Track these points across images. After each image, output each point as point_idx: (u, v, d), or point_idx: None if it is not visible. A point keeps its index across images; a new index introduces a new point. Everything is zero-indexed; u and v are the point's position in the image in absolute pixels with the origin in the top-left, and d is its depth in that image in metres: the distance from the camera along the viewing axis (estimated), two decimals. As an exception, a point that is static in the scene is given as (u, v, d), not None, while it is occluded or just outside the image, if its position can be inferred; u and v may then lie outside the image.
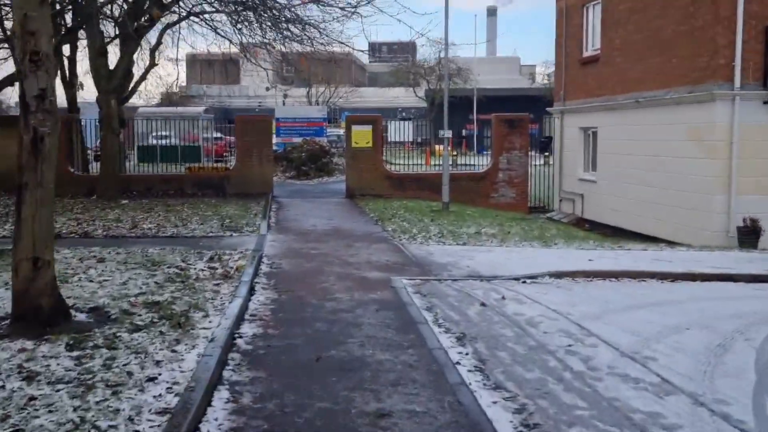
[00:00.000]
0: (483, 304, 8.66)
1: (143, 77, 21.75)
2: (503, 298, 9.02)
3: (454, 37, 59.51)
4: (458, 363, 6.38)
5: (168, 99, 70.10)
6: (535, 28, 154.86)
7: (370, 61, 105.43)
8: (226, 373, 5.82)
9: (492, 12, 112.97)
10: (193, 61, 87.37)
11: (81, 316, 6.87)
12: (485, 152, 48.25)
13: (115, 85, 19.53)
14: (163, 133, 34.67)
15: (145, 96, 55.49)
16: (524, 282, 10.01)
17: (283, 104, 39.52)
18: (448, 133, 19.17)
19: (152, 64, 21.11)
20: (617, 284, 10.13)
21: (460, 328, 7.61)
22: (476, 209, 20.26)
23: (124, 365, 5.57)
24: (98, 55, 19.61)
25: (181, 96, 76.93)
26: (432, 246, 12.99)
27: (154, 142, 35.25)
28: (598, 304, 8.82)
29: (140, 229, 14.21)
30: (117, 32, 20.90)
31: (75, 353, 5.76)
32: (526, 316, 8.13)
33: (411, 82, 62.99)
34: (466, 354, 6.70)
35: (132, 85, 21.83)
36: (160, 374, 5.40)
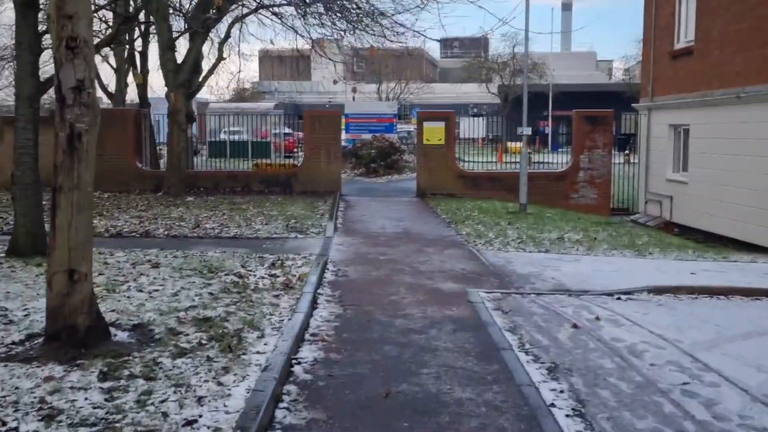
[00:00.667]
0: (575, 326, 7.57)
1: (211, 71, 21.27)
2: (597, 318, 7.91)
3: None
4: (553, 405, 5.36)
5: (240, 95, 70.63)
6: (611, 23, 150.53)
7: (441, 57, 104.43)
8: (279, 413, 4.94)
9: (567, 6, 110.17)
10: (264, 57, 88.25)
11: (122, 335, 6.13)
12: (560, 149, 46.63)
13: (183, 79, 19.07)
14: (234, 129, 34.55)
15: (217, 91, 55.77)
16: (619, 298, 8.86)
17: (353, 99, 38.75)
18: (526, 130, 17.98)
19: (220, 58, 20.59)
20: (727, 303, 8.87)
21: (551, 356, 6.57)
22: (555, 211, 19.01)
23: (161, 402, 4.75)
24: (166, 49, 19.19)
25: (253, 92, 77.54)
26: (511, 253, 11.92)
27: (226, 137, 35.25)
28: (710, 329, 7.62)
29: (202, 229, 13.59)
30: (185, 26, 20.47)
31: (107, 384, 4.99)
32: (627, 343, 7.02)
33: (483, 77, 61.51)
34: (561, 392, 5.66)
35: (200, 79, 21.37)
36: (200, 416, 4.56)
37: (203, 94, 45.01)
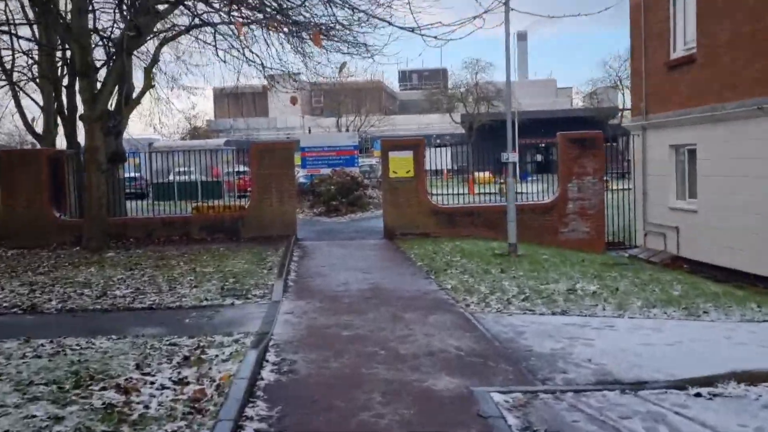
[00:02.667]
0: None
1: (138, 100, 18.17)
2: (688, 441, 4.98)
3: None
4: None
5: (192, 134, 67.47)
6: (568, 51, 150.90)
7: (400, 89, 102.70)
8: None
9: (522, 37, 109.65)
10: (219, 94, 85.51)
11: None
12: (529, 178, 44.34)
13: (101, 111, 15.95)
14: (182, 169, 31.38)
15: (164, 130, 52.64)
16: (699, 394, 5.94)
17: (309, 131, 35.87)
18: (512, 157, 15.18)
19: (148, 86, 17.54)
20: None
21: None
22: (550, 251, 16.18)
23: None
24: (82, 75, 16.12)
25: (206, 130, 74.45)
26: (517, 317, 8.97)
27: (177, 178, 32.03)
28: None
29: (110, 298, 10.42)
30: (106, 49, 17.46)
31: None
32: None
33: (447, 106, 59.30)
34: None
35: (125, 111, 18.27)
36: None
37: (149, 134, 41.68)
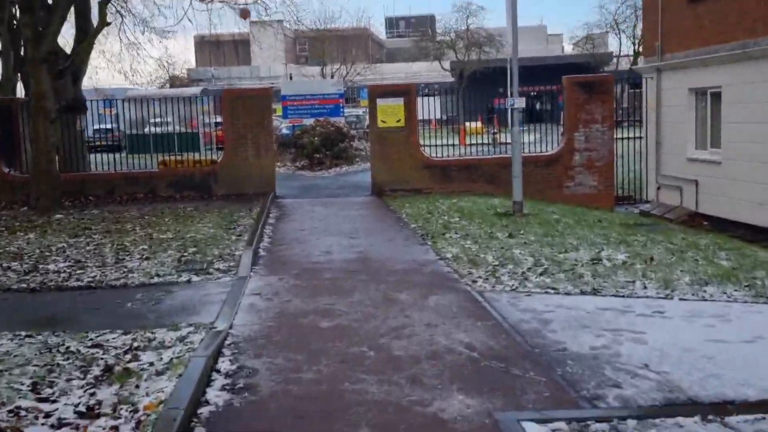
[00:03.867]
0: None
1: (92, 39, 16.04)
2: None
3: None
4: None
5: (172, 83, 64.76)
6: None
7: (387, 37, 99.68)
8: None
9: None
10: (201, 42, 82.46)
11: None
12: (522, 128, 42.45)
13: (46, 51, 13.88)
14: (158, 120, 29.38)
15: (141, 79, 50.29)
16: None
17: (290, 78, 33.68)
18: (518, 102, 13.27)
19: (103, 23, 15.38)
20: None
21: None
22: (557, 208, 14.46)
23: None
24: (24, 9, 14.02)
25: (187, 79, 71.72)
26: (537, 298, 7.25)
27: (153, 129, 30.02)
28: None
29: (41, 273, 8.62)
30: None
31: None
32: None
33: (435, 53, 56.84)
34: None
35: (80, 52, 16.17)
36: None
37: (124, 84, 39.29)
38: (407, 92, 17.28)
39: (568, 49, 76.68)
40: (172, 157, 17.98)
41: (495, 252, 9.40)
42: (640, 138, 19.67)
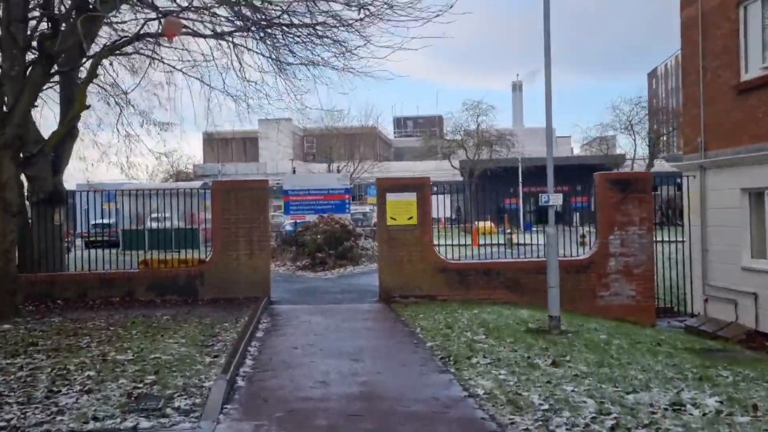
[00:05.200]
0: None
1: (70, 124, 14.35)
2: None
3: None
4: None
5: (177, 178, 63.72)
6: (562, 102, 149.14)
7: (395, 136, 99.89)
8: None
9: (516, 87, 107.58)
10: (209, 140, 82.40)
11: None
12: (532, 228, 40.65)
13: (11, 135, 12.12)
14: (155, 215, 27.79)
15: (142, 174, 49.17)
16: None
17: (293, 171, 32.19)
18: (555, 199, 11.33)
19: (81, 106, 13.73)
20: None
21: None
22: (596, 322, 12.36)
23: None
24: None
25: (196, 175, 70.91)
26: (617, 470, 5.07)
27: (151, 225, 28.38)
28: None
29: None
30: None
31: None
32: None
33: (445, 151, 55.80)
34: None
35: (54, 138, 14.45)
36: None
37: (118, 177, 37.80)
38: (421, 187, 15.47)
39: (577, 150, 76.10)
40: (154, 257, 15.96)
41: (540, 389, 7.24)
42: (677, 242, 17.70)
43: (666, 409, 6.52)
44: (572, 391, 7.13)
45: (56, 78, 16.48)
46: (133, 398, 6.89)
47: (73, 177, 38.23)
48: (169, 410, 6.55)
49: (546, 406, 6.60)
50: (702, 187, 15.41)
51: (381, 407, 6.83)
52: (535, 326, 11.39)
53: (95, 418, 6.30)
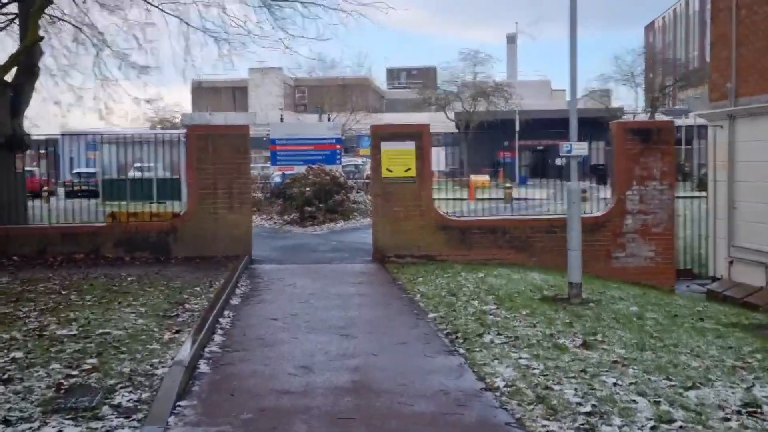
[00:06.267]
0: None
1: (17, 58, 12.62)
2: None
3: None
4: None
5: (164, 127, 61.67)
6: (556, 56, 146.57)
7: (388, 87, 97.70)
8: None
9: (511, 39, 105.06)
10: (198, 89, 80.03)
11: None
12: (528, 183, 39.20)
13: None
14: (138, 165, 26.23)
15: (124, 122, 47.42)
16: None
17: (281, 119, 30.43)
18: (578, 148, 9.76)
19: (34, 38, 11.98)
20: None
21: None
22: (617, 287, 10.98)
23: None
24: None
25: (183, 125, 68.84)
26: None
27: (133, 174, 26.86)
28: None
29: None
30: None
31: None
32: None
33: (441, 102, 53.87)
34: None
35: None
36: None
37: (96, 126, 35.84)
38: (420, 135, 13.89)
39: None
40: (124, 210, 14.41)
41: (575, 381, 5.81)
42: (691, 198, 16.31)
43: (739, 412, 5.12)
44: (615, 384, 5.71)
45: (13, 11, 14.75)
46: (62, 391, 5.43)
47: (48, 124, 36.37)
48: (105, 409, 5.10)
49: (587, 408, 5.18)
50: (731, 138, 13.90)
51: (377, 406, 5.39)
52: (551, 294, 9.99)
53: (5, 422, 4.84)
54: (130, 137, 23.37)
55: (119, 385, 5.57)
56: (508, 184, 30.64)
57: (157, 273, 11.40)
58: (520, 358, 6.56)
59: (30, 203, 16.41)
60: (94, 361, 6.13)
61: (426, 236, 13.64)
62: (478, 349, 6.89)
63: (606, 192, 17.63)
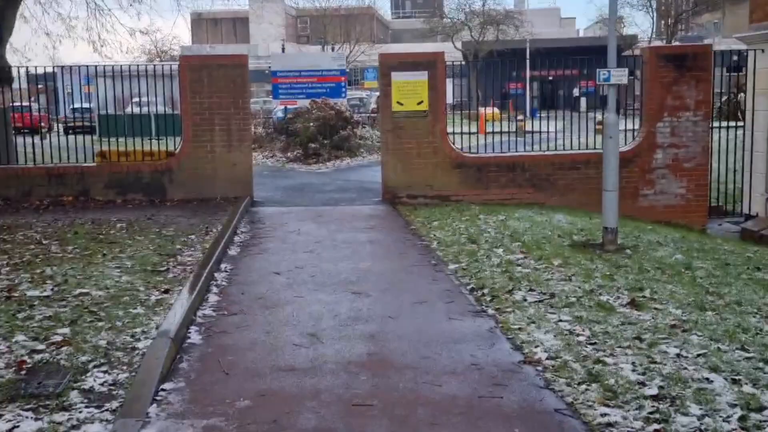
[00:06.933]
0: None
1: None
2: None
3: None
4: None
5: (162, 60, 59.97)
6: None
7: (393, 17, 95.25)
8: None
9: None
10: (198, 20, 77.88)
11: None
12: (538, 115, 37.87)
13: None
14: (137, 100, 25.12)
15: (120, 55, 46.16)
16: None
17: (283, 50, 29.03)
18: (617, 75, 8.65)
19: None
20: None
21: None
22: (653, 229, 10.05)
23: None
24: None
25: (181, 57, 67.06)
26: None
27: (132, 110, 25.80)
28: None
29: None
30: None
31: None
32: None
33: (448, 31, 52.01)
34: None
35: None
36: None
37: (90, 59, 34.60)
38: (433, 64, 12.74)
39: (582, 34, 71.97)
40: (115, 148, 13.40)
41: (630, 352, 4.92)
42: (723, 128, 15.19)
43: None
44: (679, 356, 4.82)
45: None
46: (24, 372, 4.57)
47: (37, 57, 35.12)
48: (74, 396, 4.24)
49: (653, 390, 4.29)
50: (773, 65, 12.72)
51: (399, 387, 4.51)
52: (582, 239, 9.06)
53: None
54: (126, 71, 22.19)
55: (93, 363, 4.69)
56: (520, 117, 29.43)
57: (150, 218, 10.48)
58: (560, 320, 5.67)
59: (27, 141, 15.45)
60: (66, 330, 5.25)
61: (440, 175, 12.66)
62: (509, 310, 6.00)
63: (622, 124, 16.51)
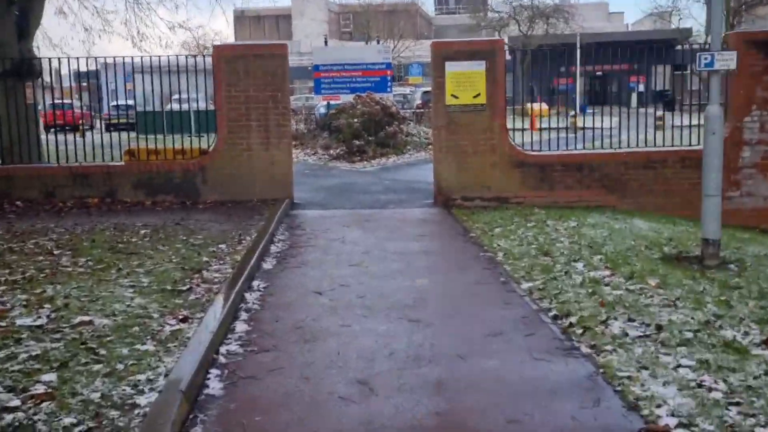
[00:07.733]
0: None
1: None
2: None
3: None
4: None
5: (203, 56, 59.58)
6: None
7: (436, 13, 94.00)
8: None
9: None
10: (240, 17, 77.68)
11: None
12: (588, 111, 36.22)
13: None
14: (177, 96, 24.38)
15: (160, 49, 45.48)
16: None
17: (325, 43, 27.95)
18: (724, 60, 7.29)
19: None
20: None
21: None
22: (752, 240, 8.68)
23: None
24: None
25: (215, 46, 66.74)
26: None
27: (173, 106, 25.12)
28: None
29: None
30: None
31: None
32: None
33: (494, 25, 50.47)
34: None
35: None
36: None
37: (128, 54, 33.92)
38: (492, 53, 11.49)
39: (631, 28, 69.68)
40: (144, 147, 12.41)
41: (792, 420, 3.64)
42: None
43: None
44: None
45: None
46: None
47: (73, 50, 34.65)
48: (45, 480, 3.12)
49: None
50: None
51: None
52: (674, 251, 7.74)
53: None
54: (166, 64, 21.34)
55: (78, 430, 3.57)
56: (572, 112, 27.91)
57: (178, 223, 9.44)
58: (680, 365, 4.40)
59: (61, 139, 14.61)
60: (52, 377, 4.14)
61: (498, 174, 11.40)
62: (609, 347, 4.75)
63: (676, 120, 14.95)
